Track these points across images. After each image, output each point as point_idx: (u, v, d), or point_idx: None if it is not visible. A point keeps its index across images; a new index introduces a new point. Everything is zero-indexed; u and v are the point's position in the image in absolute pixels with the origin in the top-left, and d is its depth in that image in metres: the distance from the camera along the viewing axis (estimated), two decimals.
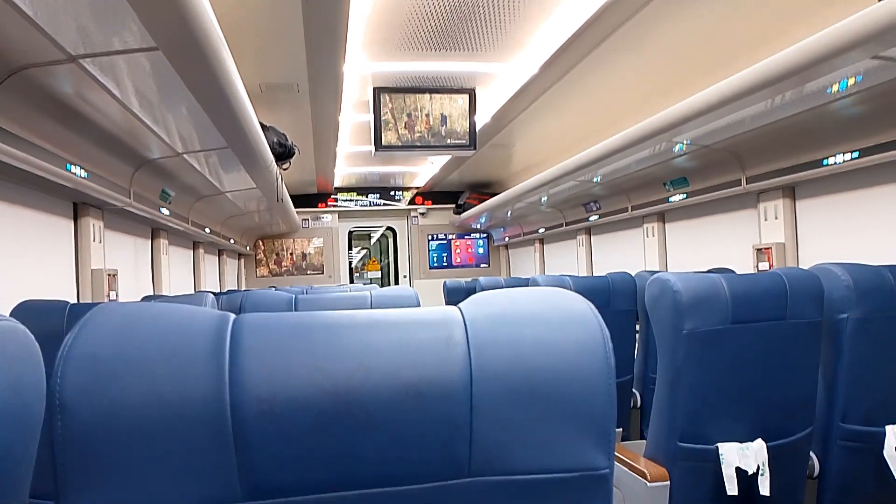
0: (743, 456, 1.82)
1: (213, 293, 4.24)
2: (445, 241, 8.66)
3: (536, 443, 0.61)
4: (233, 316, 0.62)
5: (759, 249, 3.31)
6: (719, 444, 1.83)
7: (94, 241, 3.07)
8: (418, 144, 4.17)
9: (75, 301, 3.01)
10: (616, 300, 2.91)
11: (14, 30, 1.59)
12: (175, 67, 1.95)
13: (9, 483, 0.62)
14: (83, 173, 2.48)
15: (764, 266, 3.27)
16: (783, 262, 3.21)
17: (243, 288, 7.59)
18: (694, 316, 1.78)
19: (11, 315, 1.80)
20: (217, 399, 0.56)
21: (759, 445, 1.83)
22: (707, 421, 1.85)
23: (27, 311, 1.82)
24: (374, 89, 3.96)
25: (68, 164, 2.36)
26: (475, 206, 7.31)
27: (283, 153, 4.04)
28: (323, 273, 8.21)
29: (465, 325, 0.63)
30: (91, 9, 1.57)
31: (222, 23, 1.91)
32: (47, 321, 1.80)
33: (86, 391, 0.55)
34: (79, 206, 3.03)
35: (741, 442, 1.84)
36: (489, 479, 0.61)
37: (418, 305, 1.91)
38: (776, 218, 3.27)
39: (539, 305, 0.67)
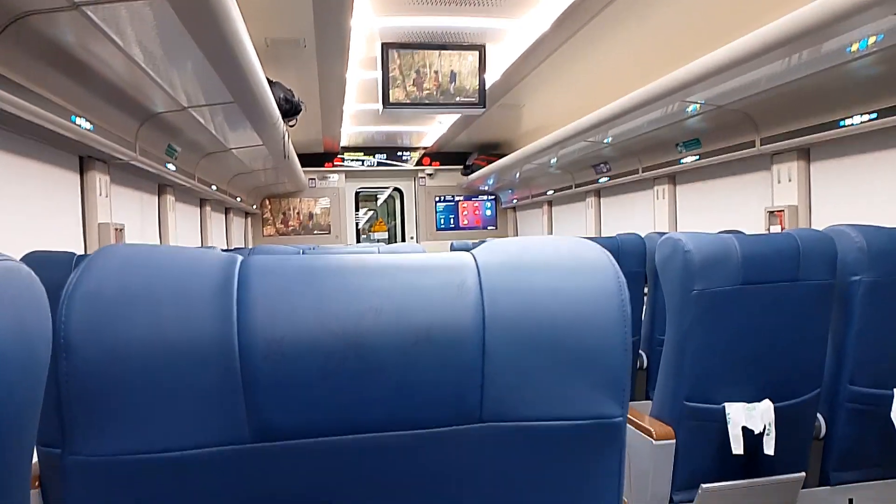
0: (749, 416, 1.82)
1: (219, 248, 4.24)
2: (453, 203, 8.63)
3: (549, 390, 0.60)
4: (240, 257, 0.60)
5: (771, 212, 3.27)
6: (726, 404, 1.83)
7: (100, 195, 3.06)
8: (427, 102, 4.12)
9: (83, 252, 3.01)
10: (624, 261, 2.88)
11: None
12: (180, 17, 1.91)
13: (16, 428, 0.61)
14: (88, 126, 2.46)
15: (776, 229, 3.23)
16: (796, 225, 3.17)
17: (250, 246, 7.61)
18: (704, 276, 1.77)
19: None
20: (225, 339, 0.55)
21: (766, 406, 1.83)
22: (714, 381, 1.85)
23: (33, 262, 1.80)
24: (382, 45, 3.90)
25: (73, 116, 2.33)
26: (483, 167, 7.26)
27: (290, 109, 4.00)
28: (330, 233, 8.21)
29: (479, 270, 0.61)
30: None
31: None
32: (54, 272, 1.78)
33: (91, 330, 0.54)
34: (85, 160, 3.01)
35: (748, 402, 1.84)
36: (501, 424, 0.60)
37: None
38: (790, 180, 3.23)
39: (554, 253, 0.65)
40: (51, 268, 1.84)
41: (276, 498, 0.58)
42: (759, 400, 1.84)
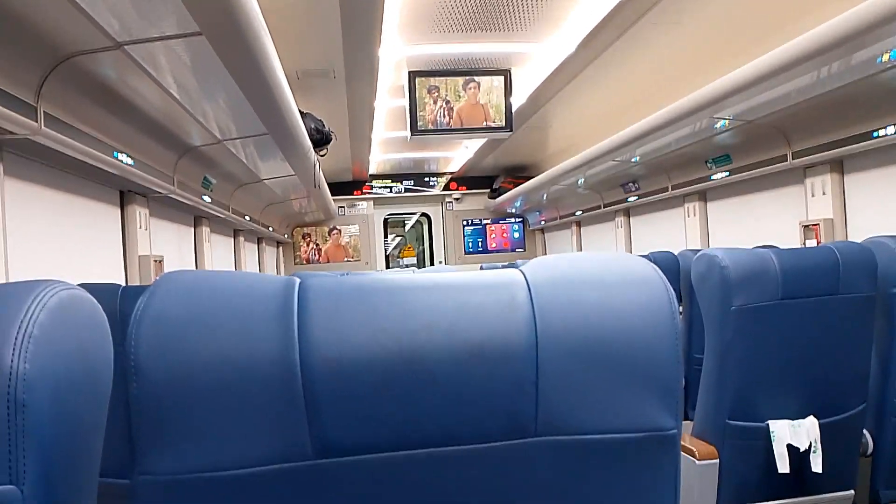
0: (794, 433, 1.79)
1: None
2: (480, 226, 8.64)
3: (603, 403, 0.61)
4: (298, 279, 0.62)
5: (806, 226, 3.23)
6: (770, 422, 1.80)
7: (140, 228, 3.14)
8: (454, 128, 4.16)
9: (124, 284, 3.08)
10: None
11: (62, 17, 1.63)
12: (217, 52, 1.98)
13: (84, 451, 0.64)
14: (129, 161, 2.54)
15: (812, 243, 3.19)
16: (832, 238, 3.12)
17: (282, 275, 7.68)
18: (743, 292, 1.75)
19: None
20: (287, 358, 0.57)
21: (811, 422, 1.80)
22: (757, 398, 1.82)
23: None
24: (410, 73, 3.96)
25: (115, 152, 2.41)
26: (510, 189, 7.27)
27: (321, 139, 4.07)
28: (360, 260, 8.27)
29: (529, 286, 0.63)
30: None
31: (261, 7, 1.93)
32: (102, 303, 1.84)
33: (159, 352, 0.56)
34: (125, 194, 3.10)
35: (792, 419, 1.81)
36: (556, 438, 0.60)
37: None
38: (823, 193, 3.18)
39: (603, 268, 0.66)
40: (98, 299, 1.90)
41: None
42: (804, 416, 1.81)
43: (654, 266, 0.67)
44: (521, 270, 0.65)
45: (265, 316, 0.58)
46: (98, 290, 1.97)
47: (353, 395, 0.57)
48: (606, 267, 0.66)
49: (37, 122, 1.84)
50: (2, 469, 0.54)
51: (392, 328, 0.59)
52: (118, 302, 1.86)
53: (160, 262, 3.23)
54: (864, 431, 1.96)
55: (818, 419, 1.80)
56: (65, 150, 2.08)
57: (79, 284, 1.85)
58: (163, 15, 1.71)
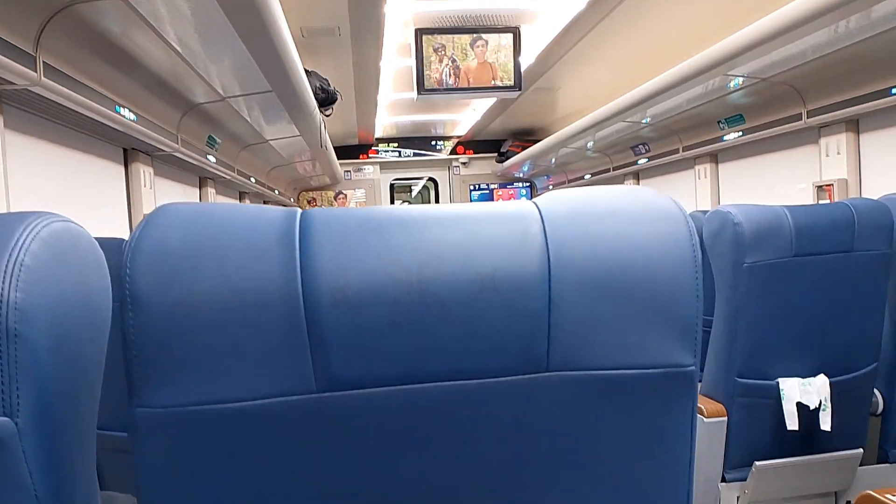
0: (804, 391, 1.78)
1: None
2: (487, 191, 8.58)
3: (618, 338, 0.59)
4: (300, 210, 0.60)
5: (819, 187, 3.18)
6: (780, 380, 1.79)
7: (144, 186, 3.12)
8: (461, 87, 4.09)
9: None
10: None
11: None
12: (222, 6, 1.93)
13: (86, 384, 0.63)
14: (132, 116, 2.51)
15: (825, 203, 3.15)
16: (845, 198, 3.08)
17: None
18: (756, 249, 1.73)
19: None
20: (289, 288, 0.55)
21: (822, 381, 1.79)
22: (767, 356, 1.81)
23: None
24: (416, 30, 3.88)
25: (118, 107, 2.38)
26: (518, 153, 7.20)
27: (326, 98, 4.02)
28: None
29: (542, 218, 0.60)
30: None
31: None
32: (106, 257, 1.84)
33: (156, 282, 0.54)
34: (129, 152, 3.08)
35: (803, 377, 1.80)
36: (569, 373, 0.59)
37: None
38: (838, 153, 3.13)
39: (620, 200, 0.64)
40: (104, 252, 1.89)
41: (343, 447, 0.58)
42: (814, 375, 1.80)
43: (675, 200, 0.64)
44: (534, 202, 0.62)
45: (266, 248, 0.56)
46: (102, 245, 1.97)
47: (359, 326, 0.55)
48: (624, 199, 0.64)
49: (36, 72, 1.81)
50: None
51: (401, 258, 0.56)
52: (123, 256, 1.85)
53: None
54: (875, 391, 1.95)
55: (829, 378, 1.79)
56: (66, 103, 2.05)
57: None
58: None
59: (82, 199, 2.68)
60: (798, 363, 1.82)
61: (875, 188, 2.99)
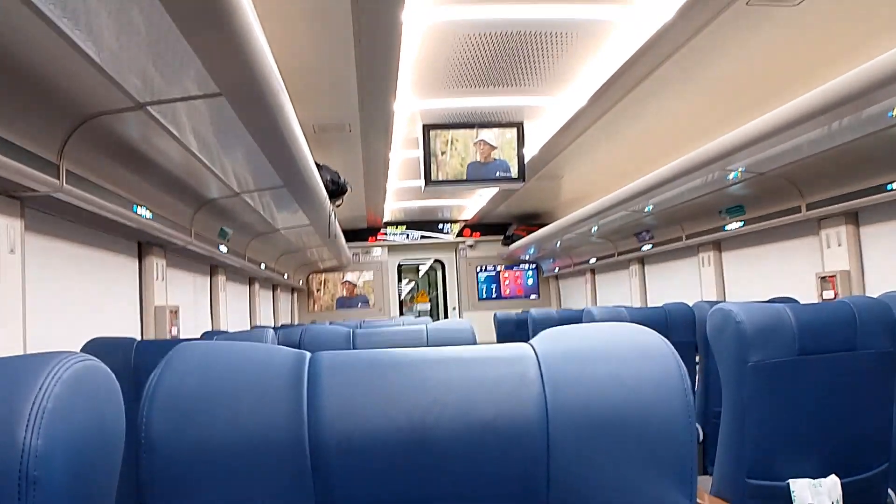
0: (816, 493, 1.74)
1: (271, 328, 4.32)
2: (494, 273, 8.64)
3: (616, 481, 0.60)
4: (309, 354, 0.63)
5: (822, 277, 3.20)
6: (790, 481, 1.76)
7: (157, 279, 3.17)
8: (467, 179, 4.20)
9: (140, 335, 3.11)
10: (674, 332, 2.84)
11: (86, 79, 1.67)
12: (236, 112, 2.03)
13: None
14: (148, 214, 2.58)
15: (829, 295, 3.16)
16: (849, 290, 3.09)
17: (296, 322, 7.70)
18: (759, 347, 1.73)
19: (84, 351, 1.87)
20: (297, 436, 0.57)
21: (833, 482, 1.75)
22: (777, 456, 1.78)
23: (97, 347, 1.89)
24: (424, 126, 4.02)
25: (134, 206, 2.45)
26: (524, 237, 7.29)
27: (336, 190, 4.13)
28: (373, 307, 8.27)
29: (539, 361, 0.63)
30: (159, 58, 1.65)
31: (280, 68, 1.98)
32: (116, 357, 1.87)
33: (170, 430, 0.57)
34: (143, 246, 3.15)
35: (813, 478, 1.77)
36: None
37: (474, 338, 1.91)
38: (839, 245, 3.17)
39: (613, 341, 0.66)
40: (113, 353, 1.92)
41: None
42: (825, 475, 1.77)
43: (665, 340, 0.67)
44: (531, 344, 0.65)
45: (276, 392, 0.59)
46: (113, 345, 1.99)
47: (363, 472, 0.57)
48: (617, 340, 0.66)
49: (58, 179, 1.88)
50: None
51: (403, 403, 0.59)
52: (133, 356, 1.88)
53: (175, 312, 3.25)
54: (889, 491, 1.91)
55: (840, 478, 1.76)
56: (85, 206, 2.12)
57: (94, 339, 1.86)
58: (184, 77, 1.77)
59: (97, 294, 2.73)
60: (808, 462, 1.79)
61: (879, 280, 3.01)
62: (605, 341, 0.66)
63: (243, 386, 0.60)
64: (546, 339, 0.66)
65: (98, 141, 2.06)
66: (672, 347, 0.67)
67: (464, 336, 1.89)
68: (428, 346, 1.87)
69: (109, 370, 0.69)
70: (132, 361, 1.85)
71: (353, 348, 1.87)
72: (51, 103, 1.76)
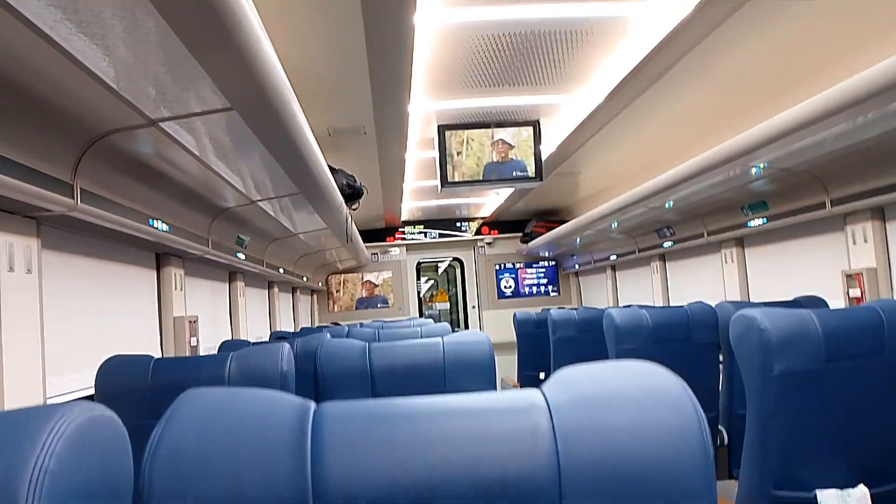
0: (845, 503, 1.71)
1: (289, 335, 4.34)
2: (513, 270, 8.60)
3: None
4: (313, 406, 0.61)
5: (848, 275, 3.13)
6: (818, 491, 1.72)
7: (175, 289, 3.19)
8: (483, 179, 4.17)
9: (159, 347, 3.13)
10: (696, 333, 2.80)
11: (97, 99, 1.68)
12: (249, 124, 2.02)
13: None
14: (165, 227, 2.59)
15: (855, 292, 3.09)
16: (875, 287, 3.02)
17: (317, 324, 7.74)
18: (784, 355, 1.69)
19: (101, 369, 1.89)
20: (300, 496, 0.56)
21: (862, 492, 1.71)
22: (803, 466, 1.74)
23: (115, 367, 1.90)
24: (439, 127, 4.00)
25: (151, 220, 2.46)
26: (542, 234, 7.25)
27: (352, 194, 4.13)
28: (392, 306, 8.29)
29: (550, 411, 0.60)
30: (169, 75, 1.65)
31: (293, 74, 1.97)
32: (133, 375, 1.89)
33: (172, 488, 0.56)
34: (161, 256, 3.16)
35: (841, 488, 1.73)
36: None
37: (491, 352, 1.90)
38: (865, 241, 3.09)
39: (627, 385, 0.63)
40: (130, 371, 1.94)
41: None
42: (854, 485, 1.73)
43: (683, 383, 0.64)
44: (542, 391, 0.63)
45: (279, 452, 0.57)
46: (131, 363, 1.99)
47: None
48: (633, 385, 0.64)
49: (73, 199, 1.89)
50: None
51: (409, 463, 0.57)
52: (150, 374, 1.89)
53: (194, 322, 3.27)
54: None
55: (869, 488, 1.72)
56: (101, 223, 2.13)
57: (112, 357, 1.87)
58: (195, 94, 1.76)
59: (115, 307, 2.75)
60: (837, 473, 1.75)
61: None
62: (620, 385, 0.63)
63: (246, 442, 0.58)
64: (558, 386, 0.63)
65: (111, 158, 2.07)
66: (688, 389, 0.64)
67: (480, 349, 1.88)
68: (444, 361, 1.87)
69: (119, 420, 0.67)
70: (149, 380, 1.86)
71: (370, 363, 1.87)
72: (63, 124, 1.77)
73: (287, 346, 1.90)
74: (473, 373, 1.87)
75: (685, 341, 2.79)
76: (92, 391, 1.90)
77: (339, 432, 0.58)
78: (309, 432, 0.58)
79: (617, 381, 0.64)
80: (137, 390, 1.84)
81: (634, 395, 0.62)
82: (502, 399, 0.63)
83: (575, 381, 0.64)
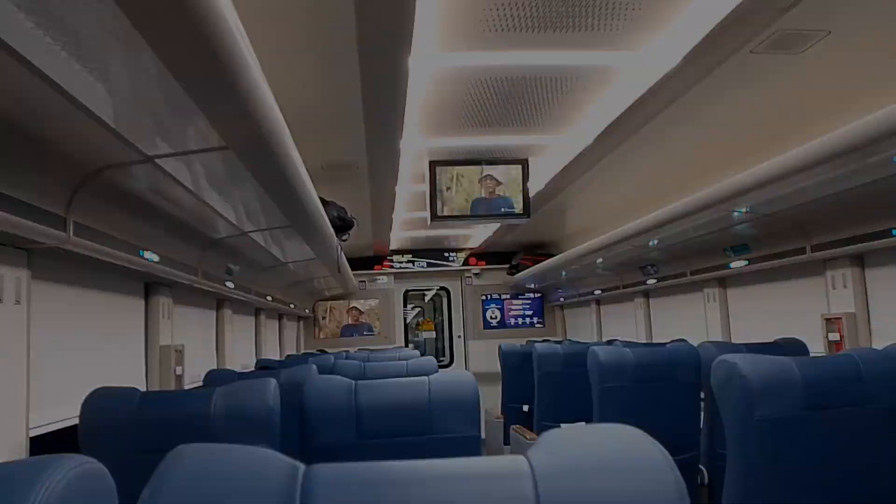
0: None
1: (275, 363, 4.32)
2: (499, 301, 8.63)
3: None
4: (302, 468, 0.63)
5: (828, 319, 3.19)
6: None
7: (163, 317, 3.19)
8: (472, 214, 4.22)
9: (143, 376, 3.12)
10: (679, 372, 2.84)
11: (93, 135, 1.69)
12: (243, 161, 2.05)
13: None
14: (155, 258, 2.60)
15: (834, 336, 3.14)
16: (854, 333, 3.07)
17: (302, 350, 7.69)
18: (764, 402, 1.71)
19: (86, 402, 1.88)
20: None
21: None
22: None
23: (100, 400, 1.90)
24: (430, 163, 4.05)
25: (141, 251, 2.47)
26: (529, 266, 7.30)
27: (343, 226, 4.16)
28: (378, 335, 8.28)
29: (535, 478, 0.63)
30: (166, 114, 1.68)
31: (289, 111, 2.00)
32: (118, 408, 1.89)
33: None
34: (149, 286, 3.16)
35: None
36: None
37: (476, 393, 1.92)
38: (845, 287, 3.16)
39: (611, 453, 0.66)
40: (115, 404, 1.94)
41: None
42: None
43: (663, 450, 0.67)
44: (527, 458, 0.65)
45: None
46: (116, 396, 1.98)
47: None
48: (616, 452, 0.67)
49: (66, 232, 1.90)
50: None
51: None
52: (135, 407, 1.89)
53: (180, 351, 3.26)
54: None
55: None
56: (91, 254, 2.13)
57: (98, 389, 1.86)
58: (191, 132, 1.79)
59: (102, 336, 2.74)
60: None
61: (886, 324, 3.00)
62: (604, 453, 0.66)
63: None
64: (543, 452, 0.66)
65: (106, 192, 2.08)
66: (668, 457, 0.67)
67: (467, 389, 1.90)
68: (430, 401, 1.89)
69: (107, 472, 0.69)
70: (134, 414, 1.86)
71: (356, 402, 1.88)
72: (60, 160, 1.79)
73: (273, 382, 1.91)
74: (459, 413, 1.89)
75: (668, 380, 2.82)
76: (76, 422, 1.89)
77: (328, 498, 0.60)
78: (298, 497, 0.60)
79: (601, 448, 0.67)
80: (122, 424, 1.84)
81: (618, 464, 0.65)
82: (490, 465, 0.65)
83: (559, 447, 0.67)
